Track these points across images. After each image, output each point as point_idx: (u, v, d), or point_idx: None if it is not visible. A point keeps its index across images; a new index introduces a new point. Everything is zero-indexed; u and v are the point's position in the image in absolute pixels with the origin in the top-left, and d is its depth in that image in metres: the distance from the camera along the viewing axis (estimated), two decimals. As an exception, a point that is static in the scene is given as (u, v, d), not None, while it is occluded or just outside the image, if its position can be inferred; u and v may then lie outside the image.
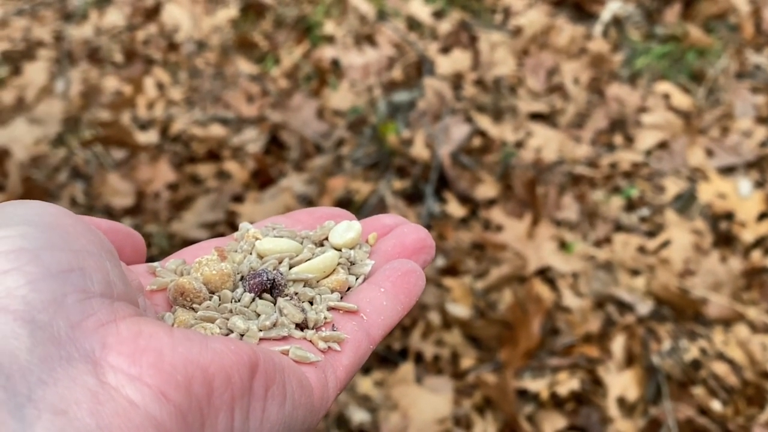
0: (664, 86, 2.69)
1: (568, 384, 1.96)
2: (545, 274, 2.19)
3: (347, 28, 2.96)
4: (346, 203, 2.33)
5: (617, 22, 2.96)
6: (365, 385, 1.98)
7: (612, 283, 2.16)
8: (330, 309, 0.63)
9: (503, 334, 2.05)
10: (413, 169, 2.44)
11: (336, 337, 0.60)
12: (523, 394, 1.99)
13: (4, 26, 2.98)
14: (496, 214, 2.30)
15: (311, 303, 0.64)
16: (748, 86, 2.68)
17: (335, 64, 2.83)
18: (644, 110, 2.62)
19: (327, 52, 2.85)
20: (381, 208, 2.32)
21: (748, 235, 2.25)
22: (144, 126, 2.60)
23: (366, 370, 2.02)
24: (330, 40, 2.92)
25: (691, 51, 2.81)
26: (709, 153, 2.48)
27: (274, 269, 0.66)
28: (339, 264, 0.68)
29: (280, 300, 0.63)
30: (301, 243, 0.71)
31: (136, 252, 0.67)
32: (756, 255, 2.20)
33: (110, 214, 2.33)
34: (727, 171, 2.44)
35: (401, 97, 2.70)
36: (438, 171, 2.42)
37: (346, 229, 0.72)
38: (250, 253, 0.69)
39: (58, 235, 0.50)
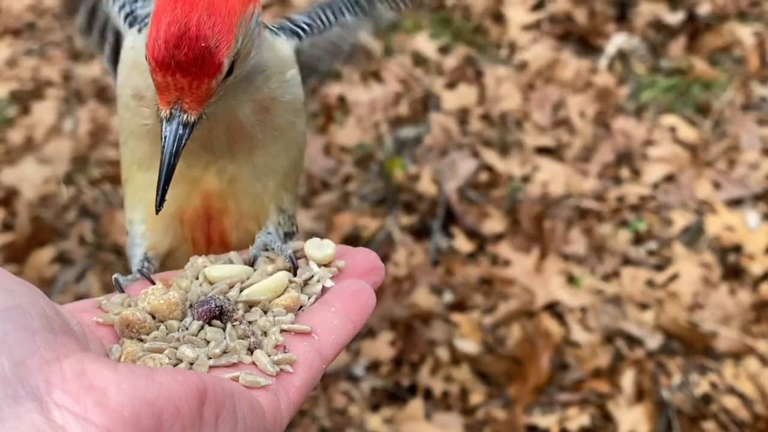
0: (670, 119, 2.70)
1: (578, 419, 1.95)
2: (553, 309, 2.18)
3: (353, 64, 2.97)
4: (353, 239, 2.33)
5: (622, 55, 2.97)
6: (374, 422, 1.97)
7: (621, 317, 2.15)
8: (282, 331, 0.63)
9: (512, 370, 2.05)
10: (420, 205, 2.45)
11: (287, 359, 0.60)
12: (533, 430, 1.98)
13: (13, 66, 3.00)
14: (504, 249, 2.29)
15: (263, 328, 0.64)
16: (754, 118, 2.68)
17: (342, 100, 2.84)
18: (650, 143, 2.62)
19: (333, 89, 2.86)
20: (388, 243, 2.32)
21: (756, 268, 2.24)
22: (152, 164, 2.60)
23: (375, 406, 2.02)
24: (336, 76, 2.94)
25: (696, 84, 2.82)
26: (717, 185, 2.48)
27: (223, 294, 0.66)
28: (291, 283, 0.69)
29: (229, 326, 0.63)
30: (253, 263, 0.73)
31: None
32: (765, 287, 2.19)
33: (119, 252, 2.34)
34: (735, 203, 2.43)
35: (408, 132, 2.70)
36: (445, 206, 2.42)
37: (324, 244, 0.73)
38: (197, 278, 0.69)
39: None
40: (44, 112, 2.76)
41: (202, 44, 0.65)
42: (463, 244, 2.33)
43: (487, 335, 2.12)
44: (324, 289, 0.69)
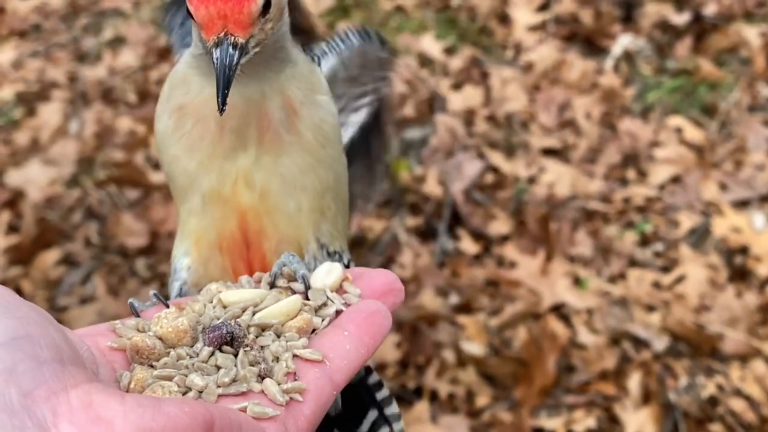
0: (676, 120, 2.69)
1: (585, 422, 1.95)
2: (560, 311, 2.18)
3: (359, 65, 2.97)
4: (359, 241, 2.33)
5: (628, 56, 2.97)
6: (380, 424, 1.97)
7: (627, 319, 2.15)
8: (294, 356, 0.63)
9: (518, 372, 2.04)
10: (426, 206, 2.44)
11: (297, 388, 0.60)
12: (539, 433, 1.97)
13: (18, 68, 3.01)
14: (510, 251, 2.29)
15: (274, 353, 0.63)
16: (761, 119, 2.68)
17: (347, 101, 2.83)
18: (657, 144, 2.62)
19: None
20: (394, 245, 2.32)
21: (763, 270, 2.23)
22: (157, 165, 2.60)
23: (381, 409, 2.01)
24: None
25: (702, 85, 2.81)
26: (723, 187, 2.47)
27: (235, 318, 0.66)
28: (304, 305, 0.68)
29: (241, 353, 0.62)
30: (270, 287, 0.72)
31: None
32: (772, 289, 2.19)
33: (125, 254, 2.34)
34: (741, 205, 2.43)
35: (413, 133, 2.70)
36: (451, 208, 2.42)
37: (331, 269, 0.72)
38: (210, 302, 0.69)
39: None
40: (50, 113, 2.76)
41: None
42: (468, 245, 2.33)
43: (493, 337, 2.12)
44: (339, 311, 0.69)
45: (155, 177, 2.53)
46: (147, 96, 2.87)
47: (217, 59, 0.70)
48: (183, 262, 0.84)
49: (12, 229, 2.39)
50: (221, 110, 0.70)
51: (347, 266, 0.86)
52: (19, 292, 2.19)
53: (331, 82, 0.92)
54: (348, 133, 1.06)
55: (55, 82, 2.93)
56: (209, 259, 0.84)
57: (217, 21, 0.70)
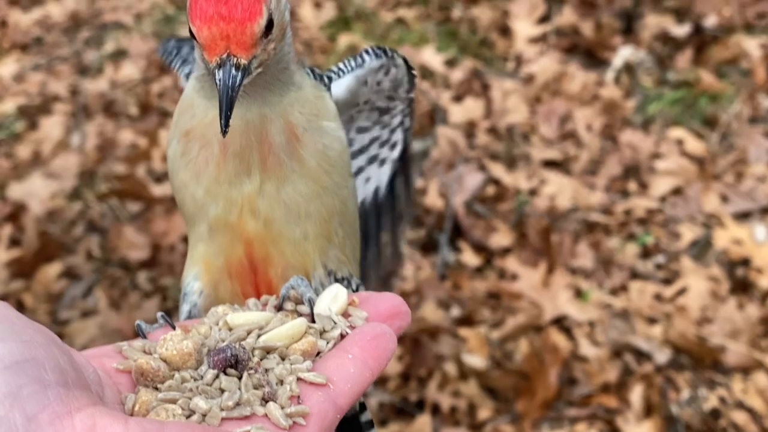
0: (677, 132, 2.69)
1: (587, 435, 1.94)
2: (561, 323, 2.18)
3: (360, 78, 2.97)
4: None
5: (629, 68, 2.97)
6: (382, 437, 1.97)
7: (629, 331, 2.14)
8: (299, 380, 0.63)
9: (520, 385, 2.04)
10: (427, 219, 2.44)
11: (301, 412, 0.60)
12: (541, 446, 1.97)
13: (20, 81, 3.01)
14: (511, 263, 2.29)
15: (279, 376, 0.63)
16: (762, 131, 2.68)
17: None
18: (658, 156, 2.62)
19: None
20: (395, 258, 2.32)
21: (765, 282, 2.23)
22: (159, 178, 2.61)
23: (382, 422, 2.01)
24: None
25: (703, 96, 2.82)
26: (724, 199, 2.47)
27: (240, 341, 0.66)
28: (309, 328, 0.68)
29: (245, 376, 0.62)
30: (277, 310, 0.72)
31: None
32: (773, 301, 2.19)
33: (126, 267, 2.34)
34: (743, 217, 2.43)
35: (414, 146, 2.70)
36: (452, 220, 2.42)
37: (333, 295, 0.72)
38: (216, 324, 0.69)
39: (5, 326, 0.51)
40: (51, 126, 2.76)
41: None
42: (470, 258, 2.33)
43: (494, 350, 2.12)
44: (344, 333, 0.69)
45: (157, 190, 2.53)
46: (148, 109, 2.87)
47: (219, 80, 0.70)
48: (194, 286, 0.84)
49: (14, 242, 2.39)
50: (224, 132, 0.70)
51: (356, 291, 0.86)
52: (20, 305, 2.20)
53: (350, 106, 0.92)
54: (386, 172, 1.06)
55: (56, 95, 2.93)
56: (219, 284, 0.84)
57: (220, 42, 0.70)
